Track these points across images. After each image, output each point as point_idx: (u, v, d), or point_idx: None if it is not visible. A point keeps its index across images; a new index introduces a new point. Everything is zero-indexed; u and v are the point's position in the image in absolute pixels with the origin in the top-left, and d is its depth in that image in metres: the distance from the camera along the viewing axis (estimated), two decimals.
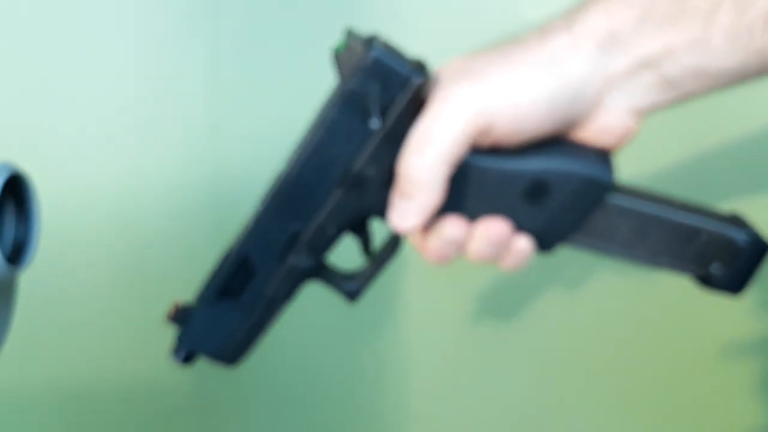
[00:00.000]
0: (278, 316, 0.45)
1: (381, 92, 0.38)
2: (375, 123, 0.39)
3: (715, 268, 0.41)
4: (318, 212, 0.42)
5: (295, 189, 0.41)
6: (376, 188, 0.41)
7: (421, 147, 0.38)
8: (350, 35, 0.39)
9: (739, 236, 0.41)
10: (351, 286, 0.45)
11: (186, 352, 0.46)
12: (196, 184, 0.74)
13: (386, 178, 0.40)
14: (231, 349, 0.46)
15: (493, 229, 0.40)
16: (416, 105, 0.39)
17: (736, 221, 0.42)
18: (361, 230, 0.44)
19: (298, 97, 0.72)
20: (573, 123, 0.39)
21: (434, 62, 0.40)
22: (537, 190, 0.40)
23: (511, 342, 0.76)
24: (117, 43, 0.72)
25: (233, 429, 0.80)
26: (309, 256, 0.43)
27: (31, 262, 0.42)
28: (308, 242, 0.42)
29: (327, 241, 0.43)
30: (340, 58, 0.39)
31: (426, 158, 0.38)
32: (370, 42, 0.38)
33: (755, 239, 0.41)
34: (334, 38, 0.69)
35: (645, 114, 0.40)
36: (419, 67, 0.39)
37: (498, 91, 0.37)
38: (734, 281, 0.42)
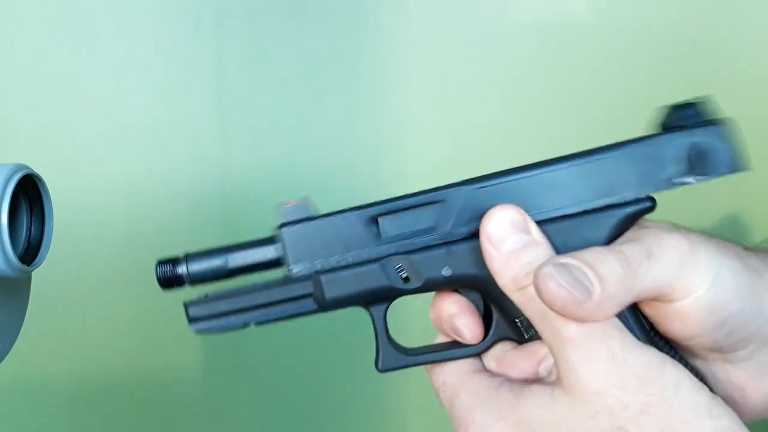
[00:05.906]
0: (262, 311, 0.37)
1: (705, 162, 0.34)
2: (689, 179, 0.35)
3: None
4: None
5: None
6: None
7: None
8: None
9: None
10: (390, 357, 0.39)
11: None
12: (206, 184, 0.75)
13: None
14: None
15: None
16: None
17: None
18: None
19: (303, 100, 0.73)
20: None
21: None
22: None
23: None
24: (129, 48, 0.73)
25: (241, 422, 0.81)
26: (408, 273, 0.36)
27: (44, 261, 0.42)
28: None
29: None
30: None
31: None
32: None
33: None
34: (339, 44, 0.70)
35: None
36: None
37: None
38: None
